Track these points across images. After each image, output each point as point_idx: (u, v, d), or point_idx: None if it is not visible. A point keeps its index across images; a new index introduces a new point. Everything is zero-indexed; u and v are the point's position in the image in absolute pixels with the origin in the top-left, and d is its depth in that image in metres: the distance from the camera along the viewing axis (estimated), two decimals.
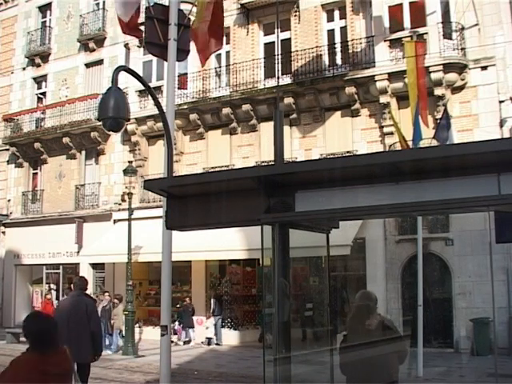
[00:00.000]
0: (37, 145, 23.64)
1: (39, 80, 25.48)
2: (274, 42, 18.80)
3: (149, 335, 19.11)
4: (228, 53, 20.21)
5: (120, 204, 20.56)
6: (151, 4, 6.78)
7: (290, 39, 19.00)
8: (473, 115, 16.06)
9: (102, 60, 23.18)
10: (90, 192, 22.62)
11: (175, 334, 18.18)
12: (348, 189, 4.10)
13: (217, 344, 18.05)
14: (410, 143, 12.86)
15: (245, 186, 4.35)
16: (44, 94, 25.28)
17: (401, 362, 5.19)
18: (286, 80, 18.24)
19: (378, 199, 3.98)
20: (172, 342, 16.77)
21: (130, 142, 21.54)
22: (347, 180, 4.05)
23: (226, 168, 18.52)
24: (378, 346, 4.93)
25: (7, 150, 25.04)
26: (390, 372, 4.92)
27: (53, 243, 22.21)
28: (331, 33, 18.74)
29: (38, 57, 24.97)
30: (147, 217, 18.90)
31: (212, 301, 18.58)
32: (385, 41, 16.85)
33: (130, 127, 20.60)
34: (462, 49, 16.24)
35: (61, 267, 23.17)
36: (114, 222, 21.43)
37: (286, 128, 17.54)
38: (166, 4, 6.81)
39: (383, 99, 16.78)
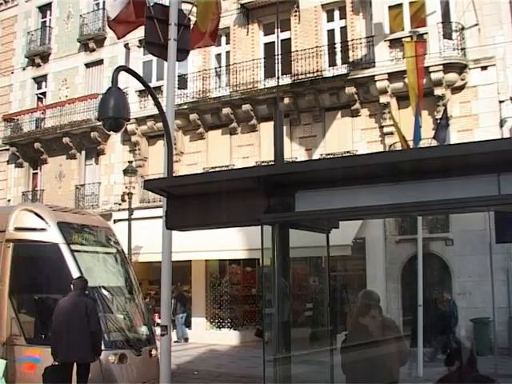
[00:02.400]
0: (37, 145, 23.63)
1: (39, 80, 25.48)
2: (274, 42, 18.78)
3: None
4: (228, 53, 20.22)
5: (120, 204, 20.55)
6: (151, 4, 6.77)
7: (290, 39, 19.00)
8: (473, 115, 16.06)
9: (102, 60, 23.18)
10: (89, 192, 22.61)
11: None
12: (348, 189, 4.10)
13: (176, 342, 18.02)
14: (410, 143, 12.87)
15: (245, 186, 4.35)
16: (44, 94, 25.27)
17: (402, 363, 5.16)
18: (286, 80, 18.23)
19: (378, 199, 3.98)
20: None
21: (130, 142, 21.54)
22: (347, 180, 4.05)
23: (226, 168, 18.52)
24: (377, 345, 4.92)
25: (7, 150, 25.03)
26: (391, 372, 4.90)
27: None
28: (331, 33, 18.74)
29: (38, 57, 24.96)
30: (147, 217, 18.89)
31: (172, 301, 18.63)
32: (385, 41, 16.85)
33: (130, 127, 20.60)
34: (462, 49, 16.23)
35: None
36: (114, 221, 21.41)
37: (286, 128, 17.54)
38: (166, 4, 6.81)
39: (383, 99, 16.78)
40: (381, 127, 17.19)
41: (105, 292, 9.21)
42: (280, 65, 14.03)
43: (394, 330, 5.17)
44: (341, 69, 17.75)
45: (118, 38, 7.85)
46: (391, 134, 16.54)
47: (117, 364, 8.06)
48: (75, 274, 8.43)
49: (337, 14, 18.73)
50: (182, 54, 6.80)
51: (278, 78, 14.45)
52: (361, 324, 4.92)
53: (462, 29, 16.25)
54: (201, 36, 7.28)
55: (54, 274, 8.92)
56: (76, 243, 9.19)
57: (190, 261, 18.65)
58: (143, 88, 14.67)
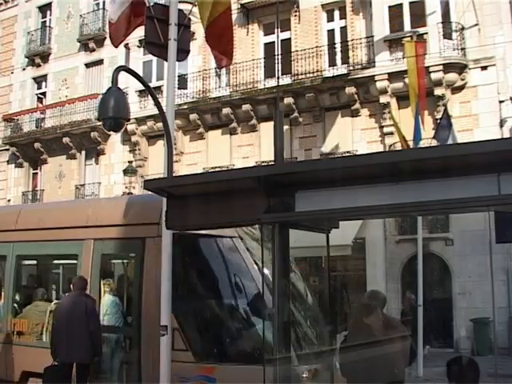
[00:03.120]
0: (37, 145, 23.64)
1: (39, 80, 25.49)
2: (274, 42, 18.79)
3: None
4: None
5: None
6: (151, 4, 6.77)
7: (290, 39, 19.01)
8: (473, 115, 16.08)
9: (102, 60, 23.19)
10: (90, 192, 22.60)
11: None
12: (348, 189, 4.10)
13: None
14: (410, 143, 12.87)
15: (245, 186, 4.35)
16: (44, 94, 25.29)
17: (407, 363, 5.16)
18: (286, 80, 18.24)
19: (378, 199, 3.97)
20: None
21: (130, 142, 21.54)
22: (347, 180, 4.05)
23: (226, 168, 18.52)
24: (381, 345, 4.91)
25: (7, 150, 25.04)
26: (394, 372, 4.89)
27: None
28: (331, 33, 18.76)
29: (38, 57, 24.97)
30: None
31: None
32: (385, 41, 16.86)
33: (130, 127, 20.59)
34: (462, 49, 16.25)
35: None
36: None
37: (286, 128, 17.54)
38: (166, 4, 6.80)
39: (383, 99, 16.79)
40: (381, 127, 17.20)
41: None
42: (280, 65, 14.04)
43: (398, 329, 5.16)
44: (341, 69, 17.76)
45: (115, 46, 7.81)
46: (391, 134, 16.54)
47: (311, 382, 6.49)
48: (254, 273, 6.77)
49: (337, 13, 18.74)
50: (182, 54, 6.79)
51: (278, 77, 14.46)
52: (365, 324, 4.91)
53: (462, 29, 16.25)
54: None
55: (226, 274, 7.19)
56: (246, 238, 7.23)
57: None
58: (143, 88, 14.67)
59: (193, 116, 19.86)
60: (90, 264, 7.71)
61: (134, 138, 21.28)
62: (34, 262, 9.51)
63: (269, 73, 18.68)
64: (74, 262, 8.22)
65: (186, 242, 6.96)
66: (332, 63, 18.09)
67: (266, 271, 6.71)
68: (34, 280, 9.33)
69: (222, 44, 7.25)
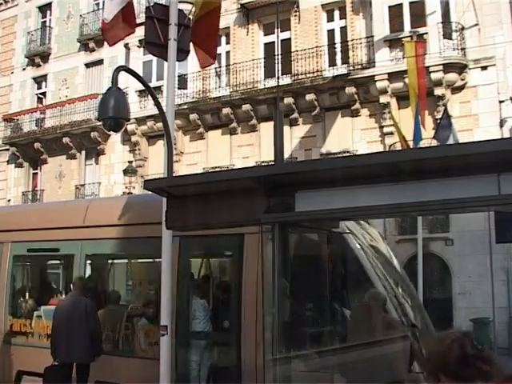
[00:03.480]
0: (37, 145, 23.65)
1: (39, 80, 25.49)
2: (274, 42, 18.77)
3: None
4: (228, 53, 20.22)
5: None
6: (151, 4, 6.76)
7: (290, 39, 19.01)
8: (473, 115, 16.08)
9: (102, 60, 23.20)
10: (90, 192, 22.61)
11: None
12: (348, 189, 4.10)
13: None
14: (410, 143, 12.87)
15: (245, 186, 4.34)
16: (44, 94, 25.30)
17: (407, 363, 5.16)
18: (286, 80, 18.24)
19: (378, 199, 3.97)
20: None
21: (130, 142, 21.55)
22: (347, 180, 4.05)
23: (226, 168, 18.52)
24: (381, 345, 4.91)
25: (7, 150, 25.04)
26: (394, 371, 4.90)
27: None
28: (331, 33, 18.77)
29: (38, 57, 24.98)
30: None
31: None
32: (385, 41, 16.87)
33: (130, 127, 20.60)
34: (462, 49, 16.25)
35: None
36: None
37: (286, 128, 17.54)
38: (166, 4, 6.80)
39: (383, 99, 16.79)
40: (381, 127, 17.20)
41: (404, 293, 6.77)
42: (280, 65, 14.05)
43: (399, 329, 5.17)
44: (341, 69, 17.77)
45: (110, 45, 7.78)
46: (391, 134, 16.54)
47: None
48: (369, 270, 5.84)
49: (337, 13, 18.75)
50: (182, 54, 6.78)
51: (278, 77, 14.46)
52: (365, 324, 4.92)
53: (462, 29, 16.26)
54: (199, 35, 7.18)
55: (335, 273, 6.11)
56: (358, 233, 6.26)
57: None
58: (143, 88, 14.66)
59: (193, 116, 19.86)
60: (176, 263, 6.83)
61: (134, 138, 21.28)
62: (106, 261, 8.85)
63: (269, 73, 18.68)
64: (154, 261, 7.71)
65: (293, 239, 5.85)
66: (332, 63, 18.10)
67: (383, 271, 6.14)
68: (105, 282, 8.80)
69: (205, 44, 7.24)
